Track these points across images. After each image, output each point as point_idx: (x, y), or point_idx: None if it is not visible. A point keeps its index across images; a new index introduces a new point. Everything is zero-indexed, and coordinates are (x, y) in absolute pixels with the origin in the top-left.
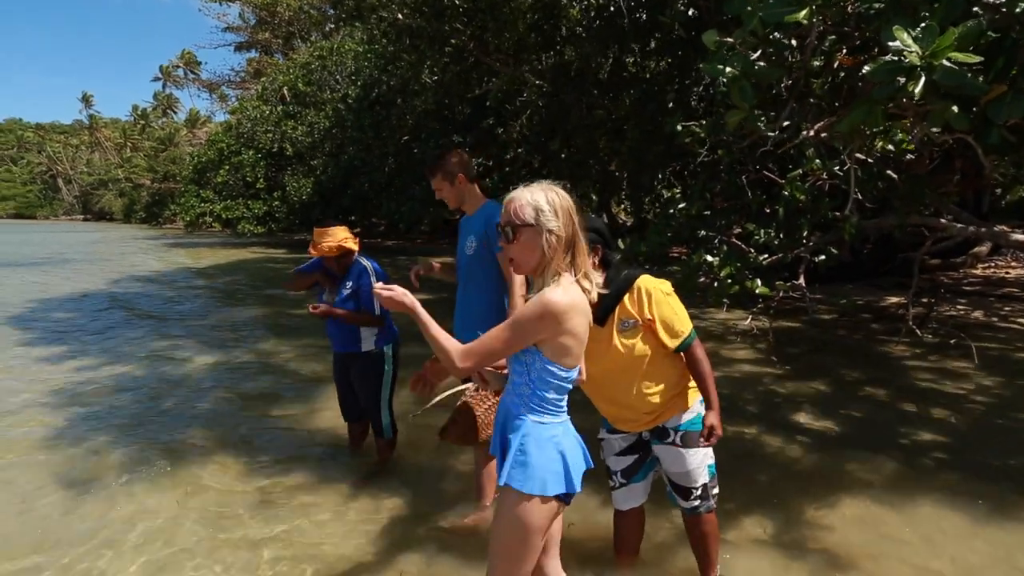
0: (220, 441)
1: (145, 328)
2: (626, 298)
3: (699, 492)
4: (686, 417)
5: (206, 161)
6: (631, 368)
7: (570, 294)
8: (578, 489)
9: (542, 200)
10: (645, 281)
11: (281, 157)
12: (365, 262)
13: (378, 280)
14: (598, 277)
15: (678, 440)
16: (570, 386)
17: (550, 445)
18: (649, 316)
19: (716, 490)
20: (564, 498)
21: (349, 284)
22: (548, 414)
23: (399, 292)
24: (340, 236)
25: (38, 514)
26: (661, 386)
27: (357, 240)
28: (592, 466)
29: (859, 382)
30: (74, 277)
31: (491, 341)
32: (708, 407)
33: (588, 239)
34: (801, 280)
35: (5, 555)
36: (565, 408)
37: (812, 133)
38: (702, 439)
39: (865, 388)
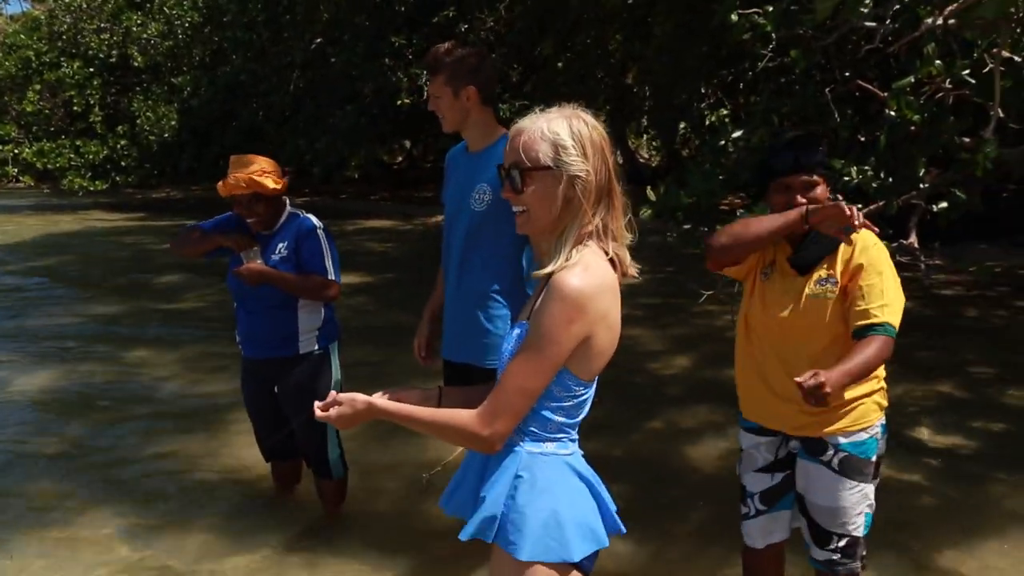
0: (88, 496)
1: None
2: (840, 249)
3: (842, 544)
4: (858, 436)
5: (2, 77)
6: (813, 336)
7: (595, 271)
8: (606, 543)
9: (564, 132)
10: (866, 233)
11: (126, 71)
12: (307, 216)
13: (328, 241)
14: (628, 238)
15: (836, 463)
16: (587, 407)
17: (561, 485)
18: (858, 267)
19: (865, 552)
20: (588, 562)
21: (283, 244)
22: (553, 441)
23: (353, 402)
24: (258, 167)
25: None
26: None
27: (284, 181)
28: (623, 532)
29: (999, 381)
30: None
31: (520, 381)
32: (844, 368)
33: (797, 168)
34: (912, 238)
35: None
36: (576, 435)
37: (940, 21)
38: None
39: (1008, 390)
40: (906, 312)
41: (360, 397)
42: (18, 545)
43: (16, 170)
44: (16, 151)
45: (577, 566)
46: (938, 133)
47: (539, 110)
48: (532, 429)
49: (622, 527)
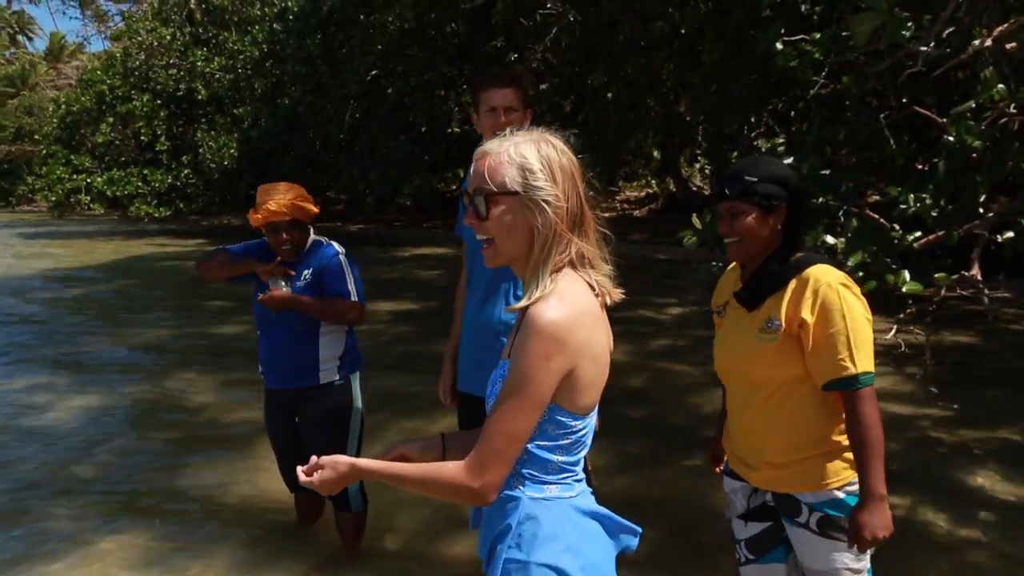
0: (111, 521)
1: None
2: (788, 288)
3: None
4: (833, 495)
5: (79, 111)
6: (761, 383)
7: (572, 300)
8: None
9: (531, 155)
10: (821, 272)
11: (191, 104)
12: (330, 243)
13: (350, 265)
14: (606, 268)
15: (814, 524)
16: (588, 442)
17: (567, 533)
18: (803, 320)
19: None
20: None
21: (307, 271)
22: (556, 484)
23: (335, 465)
24: (296, 194)
25: None
26: (796, 433)
27: (316, 207)
28: (634, 545)
29: None
30: None
31: (505, 425)
32: (863, 494)
33: (762, 192)
34: (975, 270)
35: None
36: (580, 473)
37: (989, 42)
38: (849, 543)
39: None
40: (965, 347)
41: (343, 459)
42: (40, 568)
43: (88, 198)
44: (89, 180)
45: None
46: (1002, 159)
47: (503, 135)
48: (532, 472)
49: (634, 544)
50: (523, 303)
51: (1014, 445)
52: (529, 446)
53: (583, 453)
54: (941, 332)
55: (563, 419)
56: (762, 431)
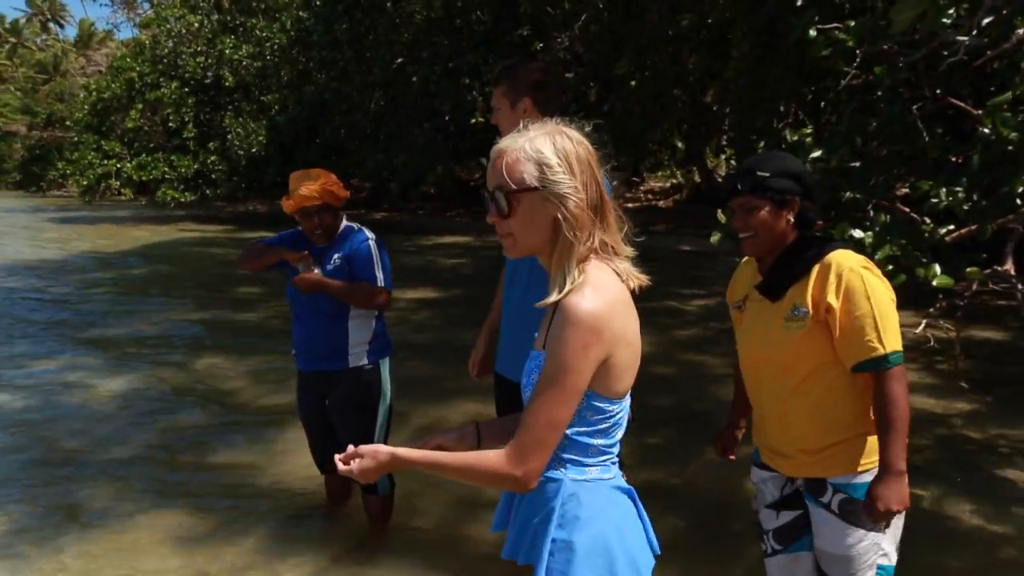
0: (142, 500)
1: (28, 342)
2: (811, 275)
3: None
4: (859, 478)
5: (109, 98)
6: (790, 371)
7: (603, 290)
8: (651, 560)
9: (547, 150)
10: (843, 257)
11: (218, 91)
12: (361, 228)
13: (380, 251)
14: (628, 251)
15: (835, 505)
16: (624, 425)
17: (607, 511)
18: (829, 305)
19: None
20: None
21: (337, 256)
22: (596, 465)
23: (376, 455)
24: (328, 179)
25: None
26: (829, 417)
27: (347, 191)
28: (657, 552)
29: None
30: None
31: (545, 414)
32: (883, 469)
33: (775, 187)
34: (1008, 264)
35: None
36: (616, 455)
37: None
38: (863, 515)
39: None
40: (997, 342)
41: (384, 449)
42: (71, 544)
43: (119, 183)
44: (119, 165)
45: None
46: None
47: (518, 130)
48: (573, 457)
49: (656, 547)
50: (555, 296)
51: None
52: (569, 432)
53: (620, 435)
54: (971, 327)
55: (600, 404)
56: (794, 419)
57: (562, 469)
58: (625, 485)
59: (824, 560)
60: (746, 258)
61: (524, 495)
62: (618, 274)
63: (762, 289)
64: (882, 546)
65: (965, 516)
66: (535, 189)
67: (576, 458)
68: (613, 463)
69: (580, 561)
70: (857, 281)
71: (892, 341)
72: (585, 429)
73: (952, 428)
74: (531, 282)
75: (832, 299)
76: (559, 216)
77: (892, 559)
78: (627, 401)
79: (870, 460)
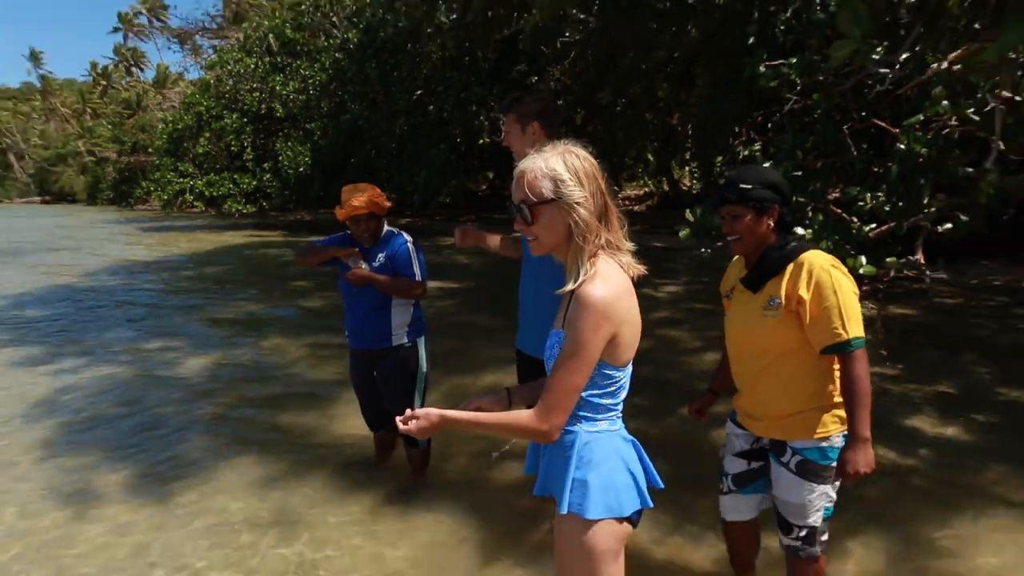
0: (225, 453)
1: (126, 326)
2: (786, 272)
3: (803, 534)
4: (817, 444)
5: (182, 128)
6: (764, 353)
7: (611, 280)
8: (651, 504)
9: (560, 167)
10: (814, 256)
11: (271, 120)
12: (400, 232)
13: (416, 251)
14: (628, 246)
15: (793, 465)
16: (627, 387)
17: (614, 456)
18: (800, 298)
19: (825, 537)
20: (636, 516)
21: (382, 255)
22: (604, 420)
23: (428, 416)
24: (374, 192)
25: (38, 539)
26: (794, 391)
27: (389, 203)
28: (661, 486)
29: (996, 381)
30: (40, 270)
31: (565, 382)
32: (851, 437)
33: (756, 197)
34: (919, 256)
35: None
36: (620, 411)
37: (946, 65)
38: (833, 477)
39: (1003, 389)
40: (910, 319)
41: (434, 412)
42: (161, 497)
43: (192, 198)
44: (192, 183)
45: (628, 519)
46: (944, 164)
47: (534, 151)
48: (586, 414)
49: (660, 483)
50: (571, 286)
51: (946, 396)
52: (584, 394)
53: (623, 396)
54: (890, 306)
55: (609, 372)
56: (766, 391)
57: (579, 424)
58: (628, 435)
59: (781, 505)
60: (736, 256)
61: (548, 445)
62: (621, 266)
63: (745, 282)
64: (829, 494)
65: (886, 454)
66: (552, 200)
67: (589, 415)
68: (618, 417)
69: (593, 495)
70: (826, 277)
71: (855, 328)
72: (596, 391)
73: (876, 386)
74: (541, 272)
75: (803, 292)
76: (572, 221)
77: (834, 500)
78: (629, 369)
79: (824, 430)
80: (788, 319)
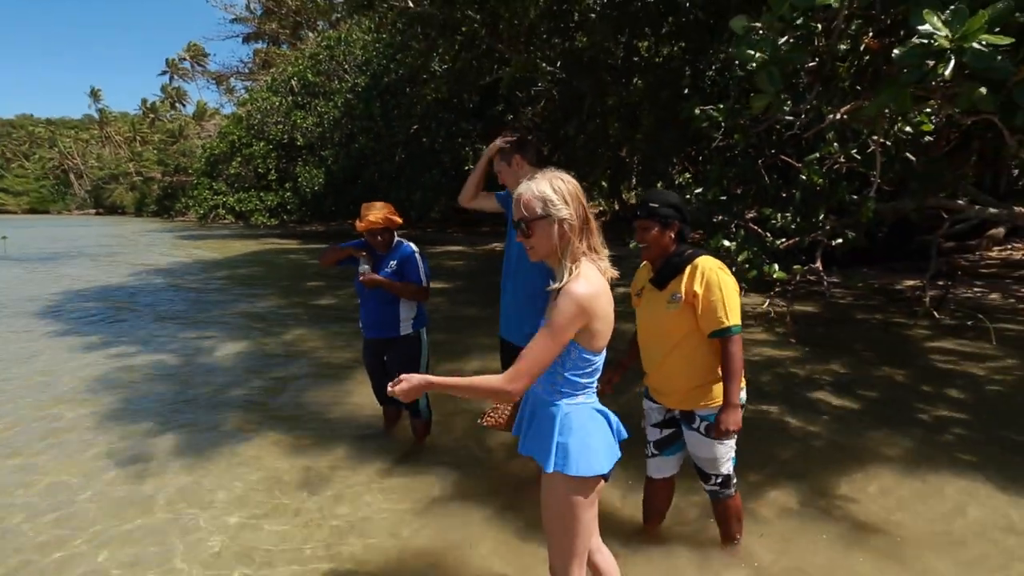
0: (259, 423)
1: (171, 318)
2: (685, 273)
3: (719, 481)
4: (715, 410)
5: (218, 153)
6: (668, 338)
7: (592, 281)
8: (619, 454)
9: (548, 190)
10: (706, 261)
11: (292, 148)
12: (409, 243)
13: (422, 260)
14: (605, 252)
15: (702, 428)
16: (600, 369)
17: (589, 424)
18: (695, 293)
19: (736, 481)
20: (607, 472)
21: (393, 261)
22: (582, 394)
23: (411, 380)
24: (388, 209)
25: (103, 494)
26: (693, 369)
27: (401, 219)
28: (627, 436)
29: (877, 362)
30: (95, 270)
31: (537, 354)
32: (724, 403)
33: (661, 214)
34: (818, 264)
35: (80, 529)
36: (594, 389)
37: (838, 116)
38: (711, 430)
39: (883, 368)
40: (811, 313)
41: (416, 376)
42: (206, 459)
43: (224, 211)
44: (224, 199)
45: (601, 476)
46: (835, 192)
47: (528, 178)
48: (566, 390)
49: (625, 433)
50: (558, 284)
51: (840, 373)
52: (566, 374)
53: (597, 376)
54: (797, 303)
55: (587, 356)
56: (671, 369)
57: (561, 399)
58: (601, 407)
59: (698, 461)
60: (644, 262)
61: (536, 414)
62: (600, 270)
63: (653, 282)
64: (733, 447)
65: (792, 422)
66: (544, 217)
67: (569, 391)
68: (593, 393)
69: (573, 456)
70: (714, 277)
71: (734, 318)
72: (576, 372)
73: (785, 368)
74: (518, 272)
75: (697, 288)
76: (560, 233)
77: (734, 450)
78: (603, 354)
79: (719, 399)
80: (686, 310)
